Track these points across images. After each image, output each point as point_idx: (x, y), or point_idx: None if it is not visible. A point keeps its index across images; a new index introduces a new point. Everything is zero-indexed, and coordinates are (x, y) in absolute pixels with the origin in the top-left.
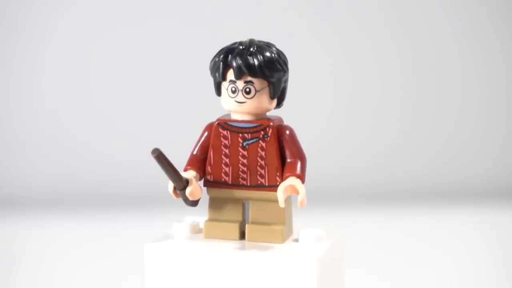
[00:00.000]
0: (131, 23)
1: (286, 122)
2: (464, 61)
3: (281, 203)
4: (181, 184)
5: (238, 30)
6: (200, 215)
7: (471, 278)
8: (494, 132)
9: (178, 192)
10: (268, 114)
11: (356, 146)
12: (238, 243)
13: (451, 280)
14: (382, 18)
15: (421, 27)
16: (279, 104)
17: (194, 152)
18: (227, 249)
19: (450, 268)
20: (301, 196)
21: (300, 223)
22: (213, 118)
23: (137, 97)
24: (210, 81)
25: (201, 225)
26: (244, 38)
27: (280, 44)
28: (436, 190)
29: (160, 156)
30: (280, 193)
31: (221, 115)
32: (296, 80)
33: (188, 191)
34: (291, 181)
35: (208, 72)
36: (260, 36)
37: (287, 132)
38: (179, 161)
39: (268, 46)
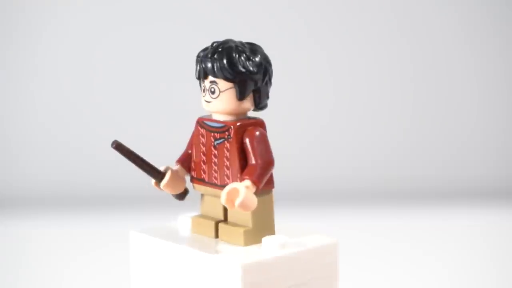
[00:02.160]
0: (133, 23)
1: (285, 122)
2: (464, 61)
3: (222, 203)
4: (155, 175)
5: (237, 30)
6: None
7: (471, 278)
8: (494, 132)
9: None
10: (255, 115)
11: (355, 146)
12: (207, 240)
13: (451, 280)
14: (382, 17)
15: (422, 25)
16: (258, 107)
17: (186, 148)
18: (183, 244)
19: (450, 268)
20: (239, 199)
21: (299, 223)
22: None
23: (138, 97)
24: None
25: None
26: (242, 38)
27: (280, 44)
28: (436, 190)
29: (119, 147)
30: (223, 194)
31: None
32: (295, 80)
33: (162, 183)
34: (236, 184)
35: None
36: (260, 36)
37: (256, 133)
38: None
39: (239, 47)
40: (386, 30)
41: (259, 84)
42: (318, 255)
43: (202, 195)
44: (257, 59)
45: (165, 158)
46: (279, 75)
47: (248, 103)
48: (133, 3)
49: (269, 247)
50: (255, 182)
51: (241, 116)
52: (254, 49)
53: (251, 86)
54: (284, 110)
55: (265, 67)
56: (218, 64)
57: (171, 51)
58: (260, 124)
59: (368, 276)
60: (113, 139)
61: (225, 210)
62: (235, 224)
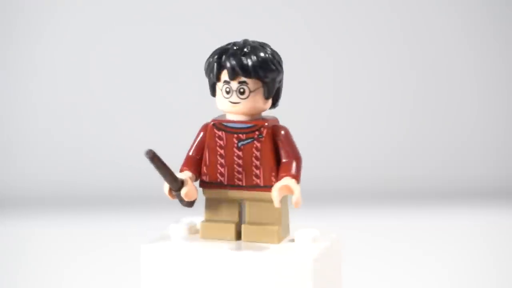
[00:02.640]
0: (131, 23)
1: (285, 122)
2: (464, 61)
3: (276, 203)
4: (176, 185)
5: (237, 30)
6: (198, 216)
7: (471, 278)
8: (494, 132)
9: (173, 193)
10: (264, 114)
11: (355, 145)
12: (234, 244)
13: (450, 280)
14: (382, 18)
15: (422, 26)
16: (274, 104)
17: (190, 153)
18: (224, 249)
19: (450, 268)
20: (296, 196)
21: (299, 223)
22: (209, 118)
23: (137, 97)
24: (206, 82)
25: (198, 226)
26: (242, 37)
27: (280, 44)
28: (435, 190)
29: (154, 158)
30: (275, 193)
31: (216, 116)
32: (295, 80)
33: (183, 192)
34: (286, 181)
35: (203, 76)
36: (259, 36)
37: (282, 132)
38: (177, 162)
39: (262, 46)
40: (386, 30)
41: (280, 83)
42: (337, 246)
43: (209, 199)
44: (277, 57)
45: (167, 158)
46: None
47: (269, 102)
48: (132, 3)
49: (303, 242)
50: (296, 178)
51: (258, 115)
52: (270, 48)
53: (276, 85)
54: (283, 109)
55: (282, 66)
56: (251, 64)
57: (171, 51)
58: (278, 122)
59: (368, 276)
60: (116, 142)
61: (240, 212)
62: (260, 224)
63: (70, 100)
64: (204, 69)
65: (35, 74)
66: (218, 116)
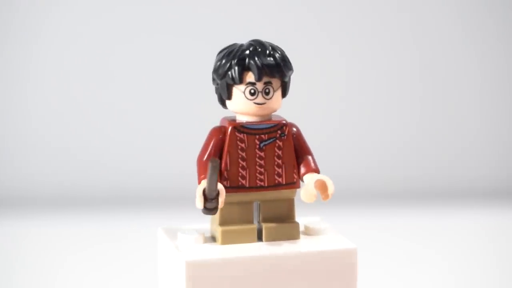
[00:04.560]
0: (132, 24)
1: (294, 121)
2: (465, 62)
3: (313, 198)
4: (214, 194)
5: (236, 30)
6: (190, 223)
7: (471, 278)
8: (494, 132)
9: (207, 200)
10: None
11: (357, 146)
12: (263, 245)
13: (450, 280)
14: (394, 20)
15: (431, 28)
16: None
17: (204, 159)
18: (262, 251)
19: (449, 268)
20: (331, 189)
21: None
22: (207, 120)
23: (136, 98)
24: (207, 85)
25: (206, 234)
26: (245, 37)
27: (292, 44)
28: (436, 190)
29: (216, 167)
30: (313, 189)
31: (223, 118)
32: (303, 80)
33: (221, 200)
34: (319, 176)
35: (204, 76)
36: (271, 37)
37: (294, 129)
38: (176, 162)
39: (274, 44)
40: (396, 32)
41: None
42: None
43: (224, 204)
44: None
45: (163, 158)
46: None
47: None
48: (131, 3)
49: (321, 235)
50: (318, 172)
51: (271, 115)
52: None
53: (290, 83)
54: (291, 108)
55: None
56: (277, 63)
57: (169, 52)
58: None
59: (367, 276)
60: (119, 141)
61: (252, 212)
62: (279, 221)
63: (69, 101)
64: (217, 72)
65: (34, 73)
66: (227, 118)
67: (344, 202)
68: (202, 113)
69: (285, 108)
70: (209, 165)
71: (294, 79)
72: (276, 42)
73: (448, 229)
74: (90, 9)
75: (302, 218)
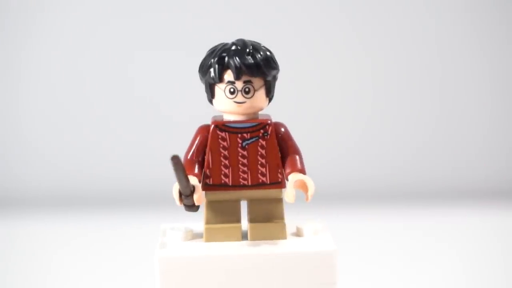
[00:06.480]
0: (126, 24)
1: (287, 121)
2: (467, 63)
3: (292, 199)
4: (188, 191)
5: (236, 29)
6: (185, 220)
7: (470, 278)
8: (495, 132)
9: (183, 197)
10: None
11: (357, 146)
12: (245, 243)
13: (450, 280)
14: (392, 19)
15: (434, 26)
16: (269, 103)
17: (189, 157)
18: (242, 249)
19: (449, 268)
20: (311, 190)
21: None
22: (207, 121)
23: (136, 98)
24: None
25: (194, 230)
26: (245, 36)
27: (286, 44)
28: (436, 190)
29: (178, 163)
30: (291, 189)
31: (213, 117)
32: (299, 82)
33: (195, 197)
34: (300, 176)
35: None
36: (262, 37)
37: (282, 129)
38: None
39: (259, 44)
40: (396, 32)
41: (276, 80)
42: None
43: (210, 202)
44: (273, 54)
45: (163, 158)
46: (285, 75)
47: (267, 100)
48: (126, 3)
49: (309, 235)
50: (304, 172)
51: (257, 114)
52: (264, 46)
53: (274, 82)
54: (285, 108)
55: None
56: (257, 63)
57: (168, 52)
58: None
59: (366, 276)
60: (117, 143)
61: (239, 211)
62: (266, 221)
63: (69, 101)
64: (201, 71)
65: (33, 73)
66: (215, 117)
67: (345, 202)
68: (202, 113)
69: (285, 108)
70: (171, 162)
71: (293, 79)
72: (275, 43)
73: (448, 229)
74: (90, 9)
75: (299, 218)
